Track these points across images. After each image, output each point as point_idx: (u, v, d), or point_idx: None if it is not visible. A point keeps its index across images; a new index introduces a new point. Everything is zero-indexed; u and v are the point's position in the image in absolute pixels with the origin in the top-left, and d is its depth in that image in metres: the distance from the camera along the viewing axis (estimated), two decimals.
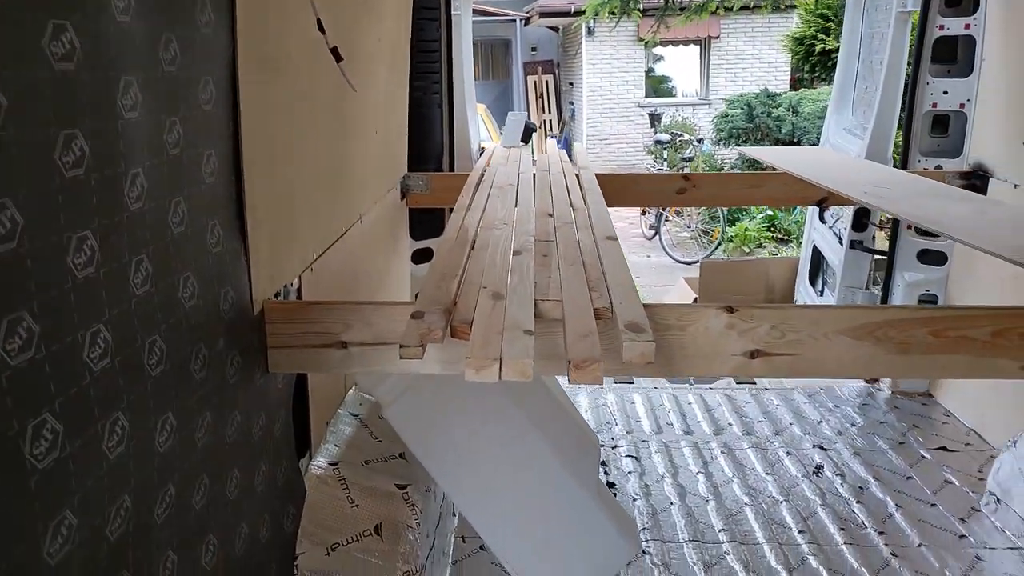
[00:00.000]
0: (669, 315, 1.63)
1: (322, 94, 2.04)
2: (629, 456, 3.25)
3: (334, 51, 1.87)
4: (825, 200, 3.50)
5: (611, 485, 3.02)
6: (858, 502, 2.88)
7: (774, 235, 9.39)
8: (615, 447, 3.33)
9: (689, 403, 3.76)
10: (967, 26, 3.48)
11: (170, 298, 1.25)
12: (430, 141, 3.74)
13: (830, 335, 1.62)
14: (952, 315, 1.62)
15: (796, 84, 14.44)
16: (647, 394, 3.85)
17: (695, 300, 5.49)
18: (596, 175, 3.70)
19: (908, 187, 2.93)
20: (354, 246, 2.52)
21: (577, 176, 3.25)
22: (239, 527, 1.55)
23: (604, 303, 1.53)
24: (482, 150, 4.70)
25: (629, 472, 3.13)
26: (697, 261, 9.67)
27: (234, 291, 1.49)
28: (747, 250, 9.08)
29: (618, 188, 3.59)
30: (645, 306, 1.61)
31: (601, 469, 3.15)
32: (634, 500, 2.92)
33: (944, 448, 3.28)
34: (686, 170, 10.12)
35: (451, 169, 3.81)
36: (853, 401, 3.77)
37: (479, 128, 4.86)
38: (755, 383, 4.00)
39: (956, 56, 3.63)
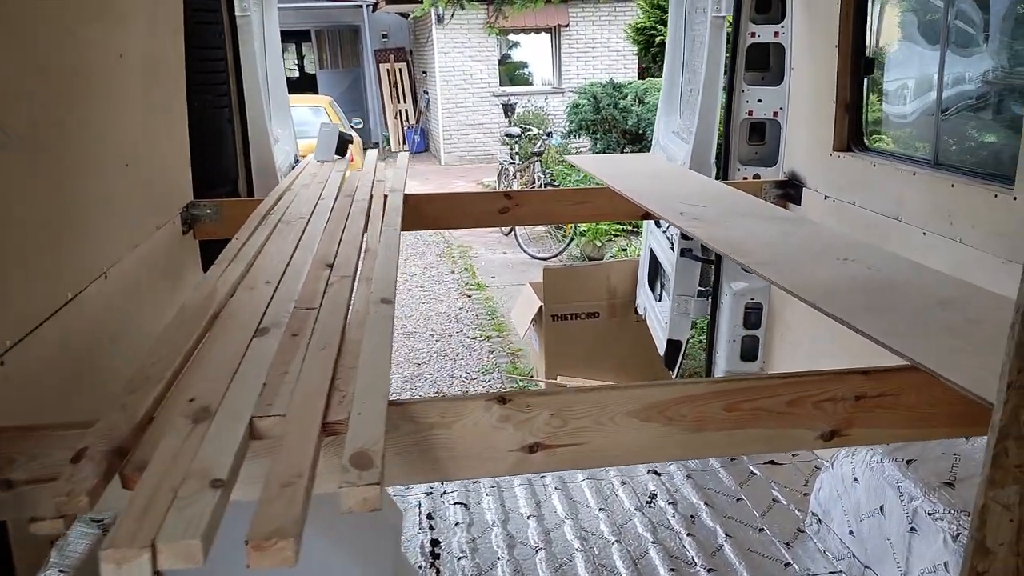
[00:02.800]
0: (431, 411, 1.37)
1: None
2: (458, 503, 3.01)
3: None
4: (648, 216, 3.39)
5: (436, 543, 2.77)
6: (689, 535, 2.78)
7: (624, 227, 9.50)
8: (444, 494, 3.08)
9: None
10: (776, 34, 3.47)
11: None
12: (222, 162, 3.31)
13: (617, 419, 1.42)
14: (747, 386, 1.46)
15: (644, 73, 14.78)
16: None
17: (540, 308, 5.35)
18: (415, 196, 3.43)
19: (724, 204, 2.85)
20: (97, 308, 2.10)
21: (386, 200, 2.94)
22: None
23: (343, 412, 1.24)
24: (298, 161, 4.29)
25: (456, 524, 2.88)
26: (552, 256, 9.66)
27: None
28: (599, 244, 9.13)
29: (438, 210, 3.33)
30: (399, 403, 1.35)
31: (427, 523, 2.89)
32: (459, 559, 2.68)
33: (772, 462, 3.27)
34: (536, 164, 10.05)
35: (250, 192, 3.39)
36: None
37: (295, 139, 4.43)
38: None
39: (769, 63, 3.63)
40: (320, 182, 3.28)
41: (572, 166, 11.39)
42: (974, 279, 2.25)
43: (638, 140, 11.10)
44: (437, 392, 5.72)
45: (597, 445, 1.42)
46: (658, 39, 11.36)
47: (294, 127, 4.44)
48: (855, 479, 2.53)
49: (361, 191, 3.06)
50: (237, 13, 3.24)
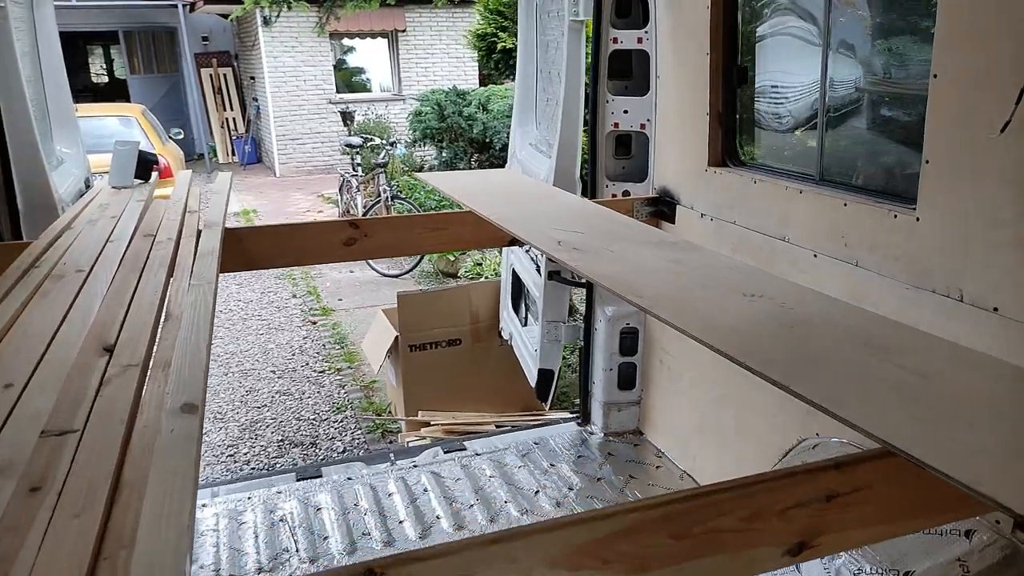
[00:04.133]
0: None
1: None
2: None
3: None
4: (516, 243, 3.03)
5: None
6: None
7: None
8: None
9: (390, 495, 3.08)
10: (640, 40, 3.22)
11: None
12: None
13: (537, 573, 1.01)
14: (697, 505, 1.10)
15: (485, 80, 14.58)
16: (338, 491, 3.10)
17: (396, 338, 4.86)
18: (239, 231, 2.85)
19: (602, 228, 2.53)
20: None
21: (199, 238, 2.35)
22: None
23: None
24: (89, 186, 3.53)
25: None
26: (404, 273, 9.09)
27: None
28: (453, 258, 8.73)
29: (269, 245, 2.76)
30: None
31: None
32: None
33: None
34: (381, 175, 9.48)
35: (16, 234, 2.65)
36: (567, 454, 3.41)
37: (85, 158, 3.65)
38: (464, 448, 3.46)
39: (633, 72, 3.39)
40: (112, 216, 2.62)
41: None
42: (875, 306, 2.08)
43: (486, 149, 10.84)
44: (282, 440, 5.06)
45: None
46: (500, 46, 11.16)
47: (83, 143, 3.66)
48: None
49: (166, 228, 2.45)
50: None
